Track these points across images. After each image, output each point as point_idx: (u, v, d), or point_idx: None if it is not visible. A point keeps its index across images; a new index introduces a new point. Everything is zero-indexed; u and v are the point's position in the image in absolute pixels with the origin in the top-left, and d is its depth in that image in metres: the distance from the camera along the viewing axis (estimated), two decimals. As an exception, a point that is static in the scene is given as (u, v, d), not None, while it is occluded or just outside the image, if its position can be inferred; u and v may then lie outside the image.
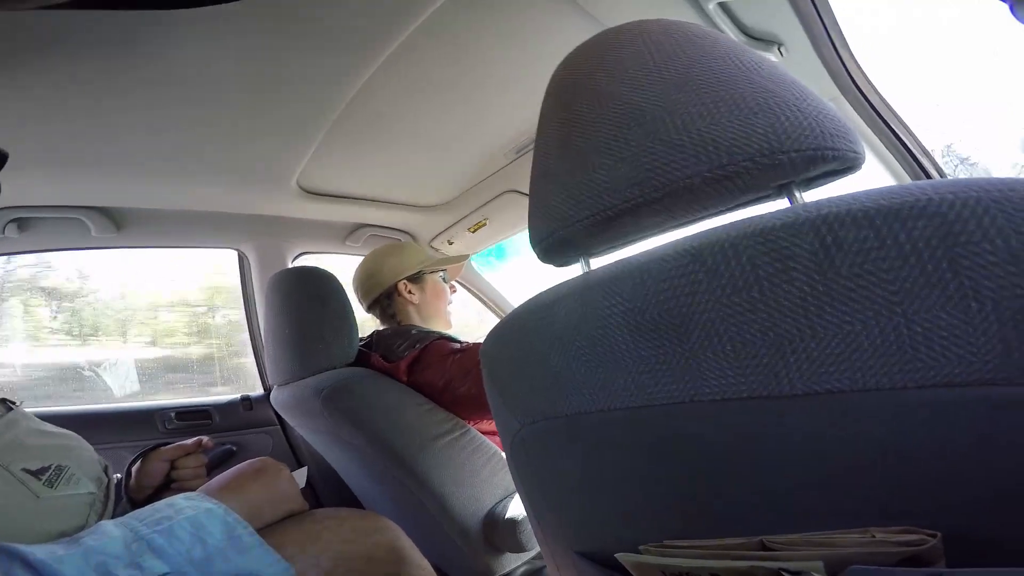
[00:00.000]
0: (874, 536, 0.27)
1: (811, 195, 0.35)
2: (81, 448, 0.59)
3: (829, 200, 0.28)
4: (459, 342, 1.09)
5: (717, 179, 0.32)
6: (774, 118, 0.32)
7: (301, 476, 0.76)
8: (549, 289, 0.42)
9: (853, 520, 0.28)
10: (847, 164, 0.34)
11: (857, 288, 0.26)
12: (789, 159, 0.31)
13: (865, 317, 0.26)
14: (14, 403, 0.58)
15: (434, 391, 1.02)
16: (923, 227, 0.25)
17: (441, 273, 1.29)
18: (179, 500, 0.48)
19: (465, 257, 1.38)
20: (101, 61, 0.74)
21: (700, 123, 0.33)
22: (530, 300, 0.44)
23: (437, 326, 1.25)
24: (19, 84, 0.74)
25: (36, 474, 0.49)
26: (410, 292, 1.22)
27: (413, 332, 1.10)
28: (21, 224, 1.12)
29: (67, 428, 0.61)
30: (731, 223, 0.31)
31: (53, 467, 0.52)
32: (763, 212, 0.31)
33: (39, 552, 0.37)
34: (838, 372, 0.27)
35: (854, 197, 0.27)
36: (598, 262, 0.44)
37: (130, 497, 0.70)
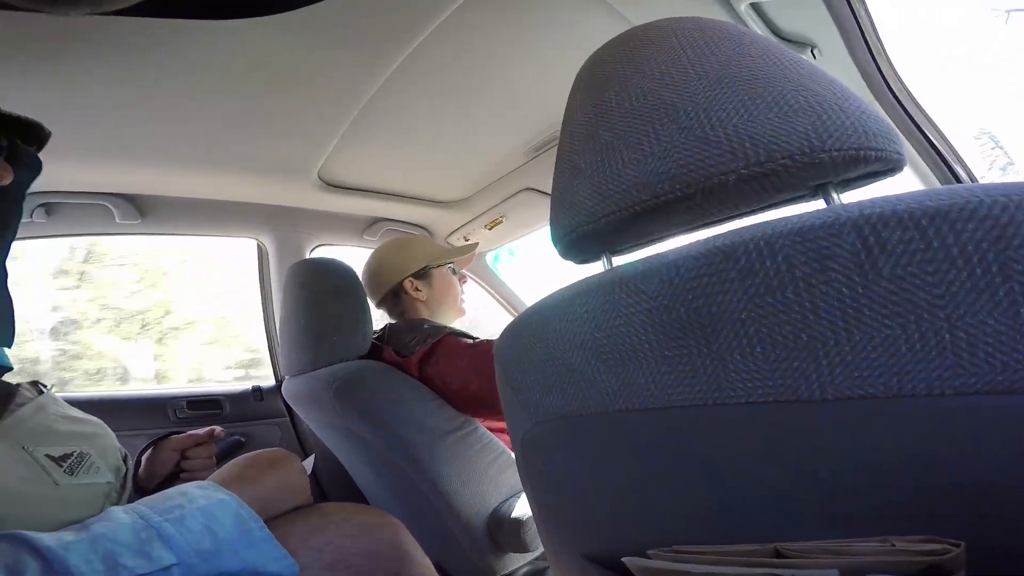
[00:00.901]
0: (894, 545, 0.26)
1: (847, 197, 0.34)
2: (105, 436, 0.59)
3: (871, 201, 0.27)
4: (471, 338, 1.09)
5: (753, 177, 0.31)
6: (815, 117, 0.31)
7: (308, 465, 0.76)
8: (569, 285, 0.41)
9: (875, 528, 0.27)
10: (889, 165, 0.32)
11: (899, 291, 0.25)
12: (831, 158, 0.30)
13: (906, 321, 0.25)
14: (45, 386, 0.59)
15: (447, 390, 1.02)
16: (973, 230, 0.24)
17: (449, 265, 1.27)
18: (192, 489, 0.47)
19: (474, 246, 1.36)
20: (128, 52, 0.75)
21: (736, 120, 0.32)
22: (549, 296, 0.43)
23: (449, 317, 1.25)
24: (48, 73, 0.76)
25: (58, 461, 0.49)
26: (416, 289, 1.21)
27: (425, 327, 1.10)
28: (49, 209, 1.15)
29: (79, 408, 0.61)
30: (766, 222, 0.29)
31: (75, 454, 0.51)
32: (798, 212, 0.30)
33: (47, 539, 0.37)
34: (872, 377, 0.26)
35: (898, 198, 0.26)
36: (620, 260, 0.43)
37: (139, 486, 0.70)
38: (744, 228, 0.30)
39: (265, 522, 0.58)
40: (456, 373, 1.01)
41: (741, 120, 0.32)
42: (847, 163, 0.30)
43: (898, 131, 0.83)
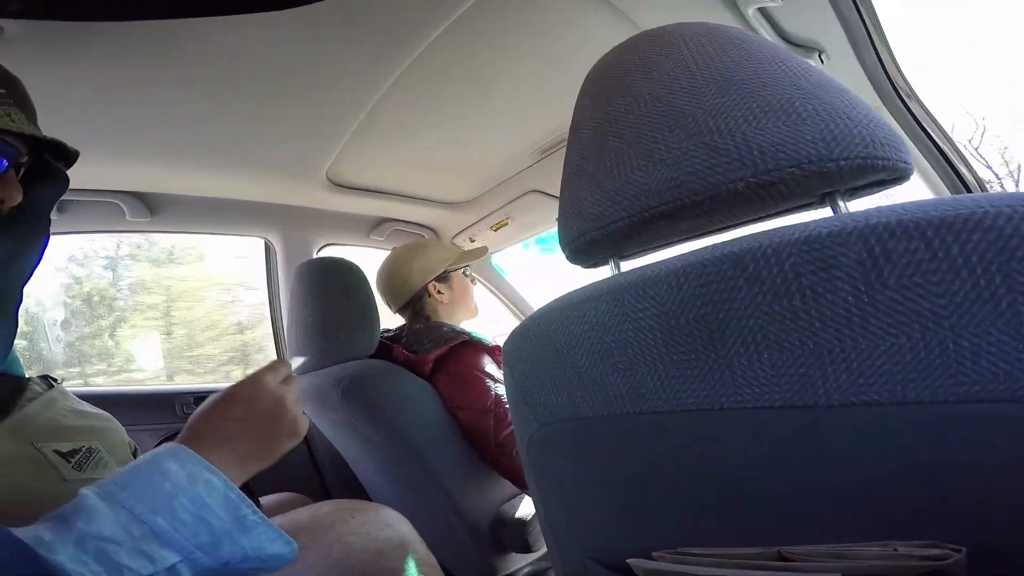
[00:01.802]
0: (896, 550, 0.26)
1: (854, 205, 0.34)
2: (114, 430, 0.59)
3: (877, 210, 0.27)
4: (487, 345, 1.10)
5: (762, 185, 0.31)
6: (823, 125, 0.31)
7: (297, 362, 0.62)
8: (578, 289, 0.42)
9: (878, 533, 0.27)
10: (897, 174, 0.33)
11: (904, 300, 0.25)
12: (838, 167, 0.30)
13: (911, 330, 0.25)
14: (55, 380, 0.59)
15: (450, 404, 1.04)
16: (977, 240, 0.24)
17: (464, 268, 1.30)
18: (168, 462, 0.40)
19: (484, 250, 1.38)
20: (141, 51, 0.76)
21: (745, 127, 0.32)
22: (557, 299, 0.43)
23: (464, 318, 1.28)
24: (59, 72, 0.77)
25: (66, 456, 0.49)
26: (439, 292, 1.24)
27: (444, 329, 1.11)
28: (60, 206, 1.16)
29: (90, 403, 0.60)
30: (773, 229, 0.30)
31: (84, 449, 0.51)
32: (804, 220, 0.30)
33: (23, 535, 0.34)
34: (878, 385, 0.26)
35: (904, 208, 0.27)
36: (627, 265, 0.43)
37: None
38: (751, 236, 0.30)
39: (271, 517, 0.57)
40: (460, 397, 1.03)
41: (750, 128, 0.32)
42: (854, 172, 0.31)
43: (906, 138, 0.84)
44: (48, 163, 0.53)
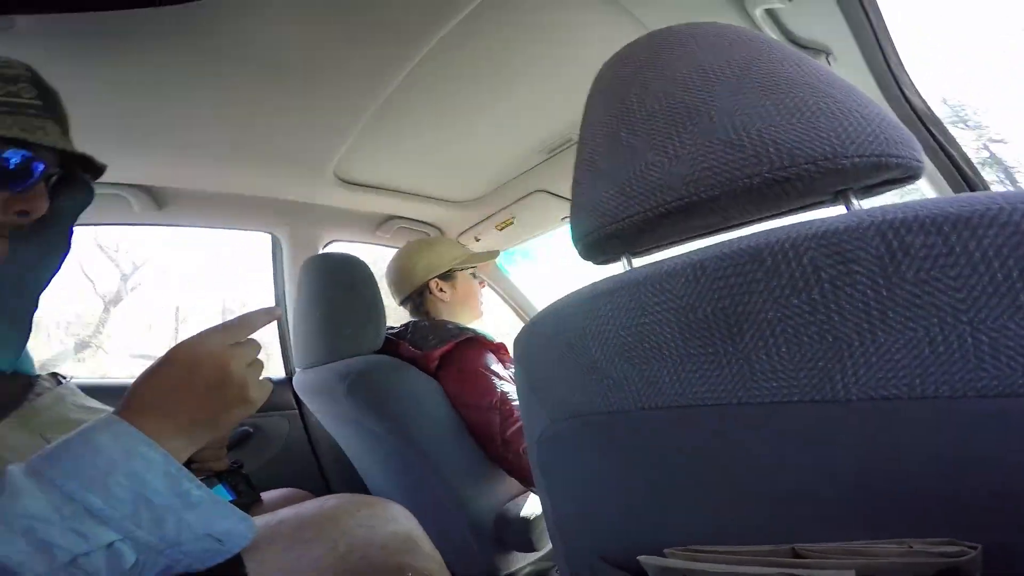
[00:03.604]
0: (911, 547, 0.26)
1: (867, 203, 0.35)
2: None
3: (892, 206, 0.28)
4: (492, 342, 1.11)
5: (777, 181, 0.32)
6: (837, 123, 0.32)
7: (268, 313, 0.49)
8: (591, 284, 0.42)
9: (897, 530, 0.28)
10: (909, 173, 0.33)
11: (923, 295, 0.26)
12: (852, 164, 0.31)
13: (929, 324, 0.26)
14: (64, 377, 0.59)
15: (455, 401, 1.04)
16: (994, 236, 0.25)
17: (471, 270, 1.31)
18: (101, 437, 0.38)
19: (495, 254, 1.40)
20: (150, 44, 0.76)
21: (760, 124, 0.33)
22: (569, 295, 0.44)
23: (467, 319, 1.28)
24: (73, 64, 0.77)
25: None
26: (441, 290, 1.25)
27: (449, 326, 1.13)
28: (68, 200, 1.16)
29: (97, 398, 0.60)
30: (790, 225, 0.30)
31: None
32: (818, 217, 0.31)
33: None
34: (896, 379, 0.27)
35: (920, 204, 0.27)
36: (640, 262, 0.43)
37: None
38: (769, 231, 0.31)
39: (276, 511, 0.56)
40: (465, 394, 1.03)
41: (764, 124, 0.32)
42: (868, 169, 0.31)
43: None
44: (74, 174, 0.54)
